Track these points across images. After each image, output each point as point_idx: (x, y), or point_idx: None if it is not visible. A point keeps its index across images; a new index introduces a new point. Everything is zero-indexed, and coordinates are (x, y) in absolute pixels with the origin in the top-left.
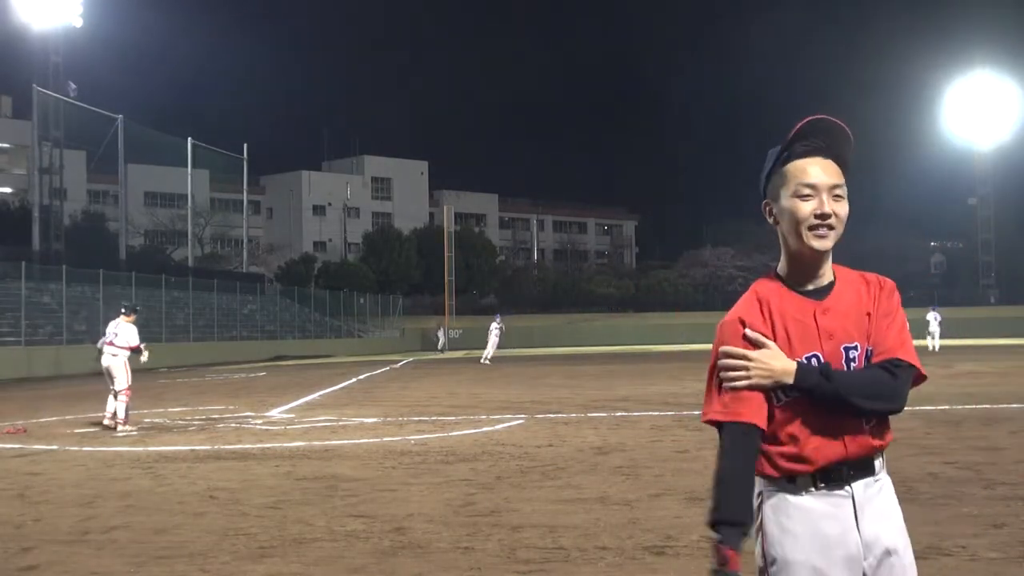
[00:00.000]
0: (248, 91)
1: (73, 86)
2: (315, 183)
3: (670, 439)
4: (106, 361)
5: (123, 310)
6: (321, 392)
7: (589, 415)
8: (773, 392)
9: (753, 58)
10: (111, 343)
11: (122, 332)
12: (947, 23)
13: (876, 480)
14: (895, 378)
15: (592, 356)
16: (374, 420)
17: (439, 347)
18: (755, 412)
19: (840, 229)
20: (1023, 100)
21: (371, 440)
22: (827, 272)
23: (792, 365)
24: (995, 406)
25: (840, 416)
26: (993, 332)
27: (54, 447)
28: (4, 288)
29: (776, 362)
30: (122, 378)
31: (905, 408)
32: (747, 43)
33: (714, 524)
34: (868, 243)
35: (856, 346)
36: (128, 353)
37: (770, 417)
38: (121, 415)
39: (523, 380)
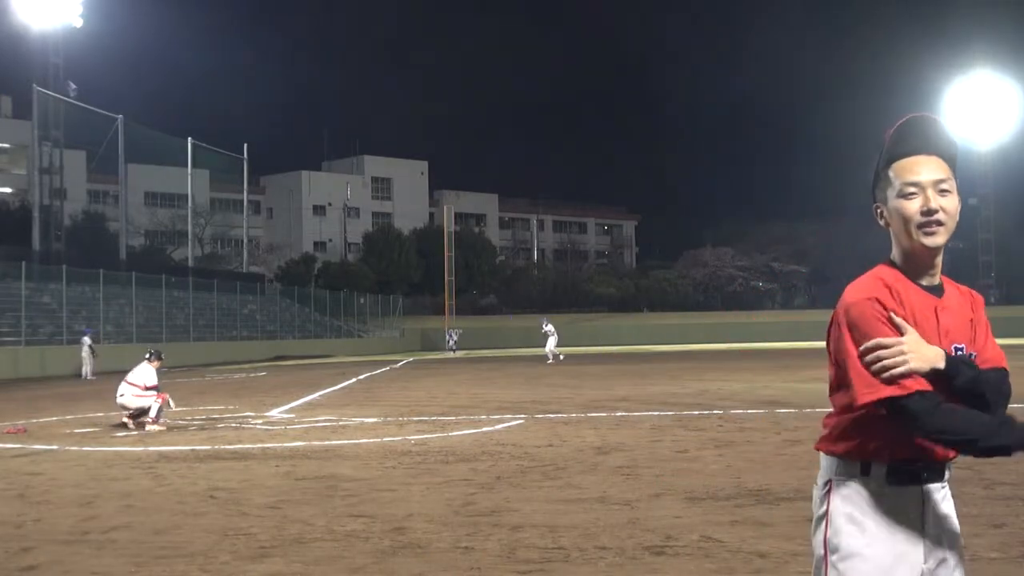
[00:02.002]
0: (248, 91)
1: (73, 86)
2: (315, 183)
3: (670, 439)
4: (120, 401)
5: (147, 355)
6: (321, 392)
7: (589, 415)
8: (935, 377)
9: (753, 58)
10: (127, 381)
11: (140, 371)
12: (947, 23)
13: (942, 487)
14: (1006, 385)
15: (592, 356)
16: (374, 420)
17: (450, 346)
18: (923, 382)
19: (951, 224)
20: (1023, 100)
21: (371, 440)
22: (940, 269)
23: (940, 351)
24: None
25: None
26: (993, 332)
27: (54, 447)
28: (4, 288)
29: (927, 348)
30: (142, 401)
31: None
32: (747, 43)
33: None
34: (868, 243)
35: (962, 347)
36: (139, 390)
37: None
38: (153, 414)
39: (523, 380)
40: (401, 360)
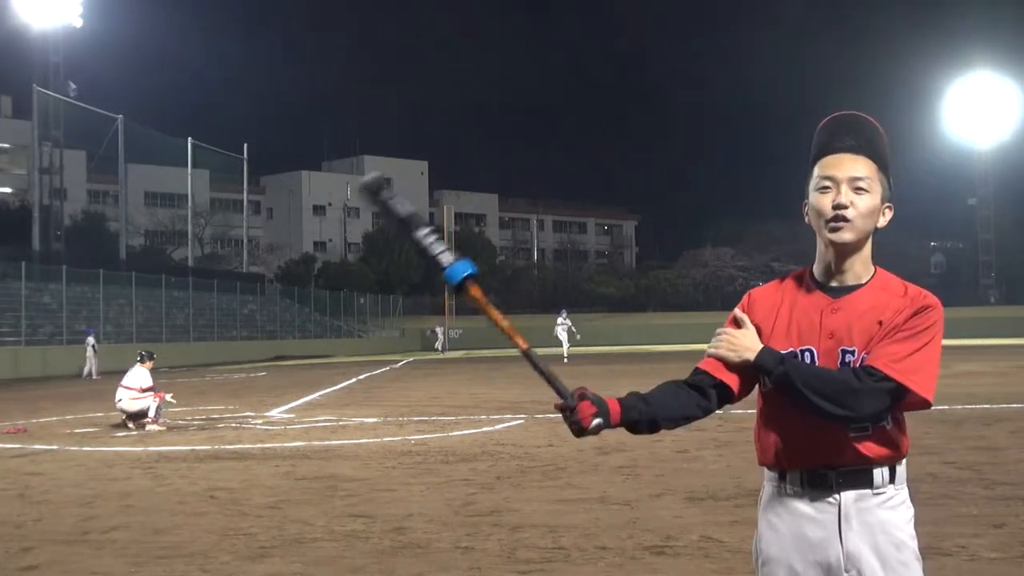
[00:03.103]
0: (248, 91)
1: (73, 86)
2: (315, 183)
3: (670, 439)
4: (119, 406)
5: (139, 357)
6: (321, 392)
7: None
8: (754, 373)
9: (753, 58)
10: (123, 385)
11: (133, 374)
12: (947, 23)
13: (876, 493)
14: (859, 382)
15: (592, 356)
16: (374, 420)
17: (436, 346)
18: (718, 366)
19: (861, 223)
20: (1023, 100)
21: (371, 440)
22: (856, 271)
23: (758, 346)
24: (995, 406)
25: (822, 420)
26: (993, 332)
27: (54, 447)
28: (4, 288)
29: (745, 339)
30: (140, 404)
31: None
32: (747, 43)
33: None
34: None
35: (853, 351)
36: (136, 393)
37: (763, 403)
38: (152, 414)
39: (523, 380)
40: (401, 360)
